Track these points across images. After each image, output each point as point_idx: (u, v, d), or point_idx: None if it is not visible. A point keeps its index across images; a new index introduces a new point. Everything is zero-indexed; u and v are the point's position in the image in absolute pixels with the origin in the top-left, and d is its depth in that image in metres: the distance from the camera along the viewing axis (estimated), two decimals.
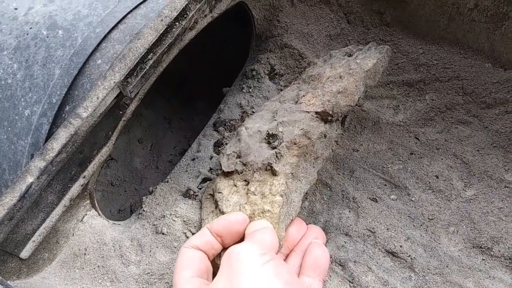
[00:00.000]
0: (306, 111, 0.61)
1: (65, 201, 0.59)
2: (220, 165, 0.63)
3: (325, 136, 0.61)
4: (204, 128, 0.82)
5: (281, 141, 0.59)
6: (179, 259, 0.52)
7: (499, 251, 0.62)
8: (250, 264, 0.46)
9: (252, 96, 0.81)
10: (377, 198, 0.69)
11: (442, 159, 0.71)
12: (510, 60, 0.69)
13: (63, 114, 0.69)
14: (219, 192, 0.61)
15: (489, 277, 0.61)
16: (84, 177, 0.61)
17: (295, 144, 0.58)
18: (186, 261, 0.52)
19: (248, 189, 0.58)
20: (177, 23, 0.60)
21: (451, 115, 0.73)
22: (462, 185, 0.69)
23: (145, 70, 0.58)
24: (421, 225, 0.66)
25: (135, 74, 0.57)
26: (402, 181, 0.70)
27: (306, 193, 0.70)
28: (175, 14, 0.59)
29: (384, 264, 0.65)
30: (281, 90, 0.77)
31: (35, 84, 0.71)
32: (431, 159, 0.71)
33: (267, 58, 0.82)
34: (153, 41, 0.57)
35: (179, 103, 1.24)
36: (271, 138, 0.60)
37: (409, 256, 0.64)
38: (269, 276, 0.45)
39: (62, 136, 0.53)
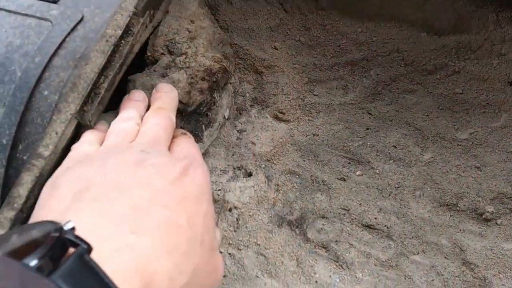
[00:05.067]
0: None
1: None
2: None
3: None
4: None
5: None
6: None
7: (464, 205, 0.67)
8: None
9: None
10: (344, 177, 0.72)
11: (396, 129, 0.75)
12: (442, 27, 0.73)
13: (18, 154, 0.65)
14: None
15: (460, 230, 0.66)
16: None
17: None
18: None
19: None
20: (123, 41, 0.58)
21: (396, 86, 0.77)
22: (419, 150, 0.73)
23: (101, 95, 0.56)
24: (389, 195, 0.70)
25: (90, 101, 0.55)
26: (364, 156, 0.73)
27: (277, 184, 0.72)
28: (119, 32, 0.57)
29: (363, 238, 0.68)
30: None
31: None
32: (386, 130, 0.75)
33: None
34: (103, 64, 0.56)
35: None
36: None
37: (385, 225, 0.68)
38: None
39: (27, 180, 0.50)
